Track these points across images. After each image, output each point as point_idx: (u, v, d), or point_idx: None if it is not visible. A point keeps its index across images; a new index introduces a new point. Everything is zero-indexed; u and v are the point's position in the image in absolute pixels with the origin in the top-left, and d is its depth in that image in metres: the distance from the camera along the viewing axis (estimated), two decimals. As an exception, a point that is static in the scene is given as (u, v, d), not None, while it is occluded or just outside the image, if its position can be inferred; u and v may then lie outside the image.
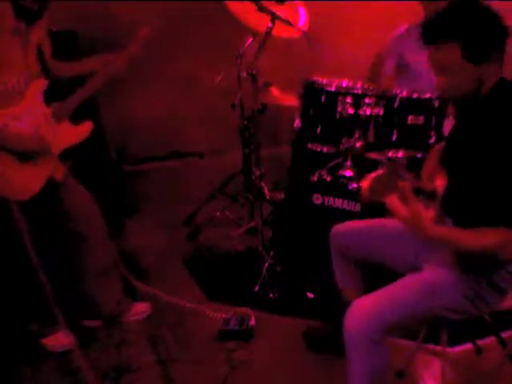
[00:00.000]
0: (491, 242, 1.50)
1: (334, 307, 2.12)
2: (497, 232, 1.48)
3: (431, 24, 1.55)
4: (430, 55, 1.57)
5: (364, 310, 1.64)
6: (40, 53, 2.11)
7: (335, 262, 2.06)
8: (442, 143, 1.89)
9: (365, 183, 1.58)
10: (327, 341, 2.24)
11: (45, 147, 2.10)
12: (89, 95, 2.16)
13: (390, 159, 2.56)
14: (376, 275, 1.99)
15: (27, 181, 2.09)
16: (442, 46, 1.52)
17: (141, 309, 2.53)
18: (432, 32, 1.54)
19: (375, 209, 2.43)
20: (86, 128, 2.22)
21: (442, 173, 1.68)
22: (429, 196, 1.59)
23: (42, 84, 2.10)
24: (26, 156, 2.06)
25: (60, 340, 2.31)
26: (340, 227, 2.03)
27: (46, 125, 2.11)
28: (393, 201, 1.52)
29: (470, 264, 1.62)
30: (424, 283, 1.68)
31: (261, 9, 2.62)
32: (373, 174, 1.58)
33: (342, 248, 2.00)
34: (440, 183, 1.64)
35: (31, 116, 2.07)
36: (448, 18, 1.53)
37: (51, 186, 2.14)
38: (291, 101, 2.84)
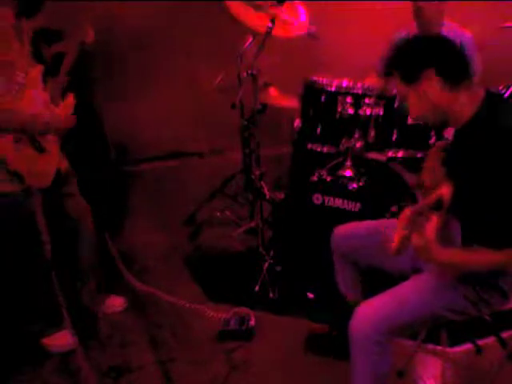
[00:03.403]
0: (497, 261, 1.53)
1: (335, 309, 2.12)
2: (501, 252, 1.51)
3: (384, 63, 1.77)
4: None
5: (370, 312, 1.66)
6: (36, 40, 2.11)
7: (337, 265, 2.06)
8: (442, 142, 1.89)
9: (393, 245, 1.59)
10: (330, 345, 2.24)
11: (53, 131, 2.14)
12: (69, 66, 2.18)
13: (390, 159, 2.56)
14: (378, 278, 1.99)
15: (44, 167, 2.15)
16: (390, 76, 1.68)
17: (115, 302, 2.57)
18: (384, 68, 1.74)
19: (375, 209, 2.44)
20: (70, 100, 2.22)
21: (446, 181, 1.69)
22: (435, 206, 1.61)
23: (39, 70, 2.10)
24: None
25: (61, 340, 2.31)
26: (341, 230, 2.03)
27: (48, 110, 2.14)
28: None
29: (471, 275, 1.63)
30: (427, 285, 1.69)
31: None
32: (399, 234, 1.58)
33: (344, 251, 2.01)
34: (445, 192, 1.65)
35: (36, 105, 2.09)
36: (392, 54, 1.69)
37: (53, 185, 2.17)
38: (291, 101, 2.84)
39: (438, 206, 1.62)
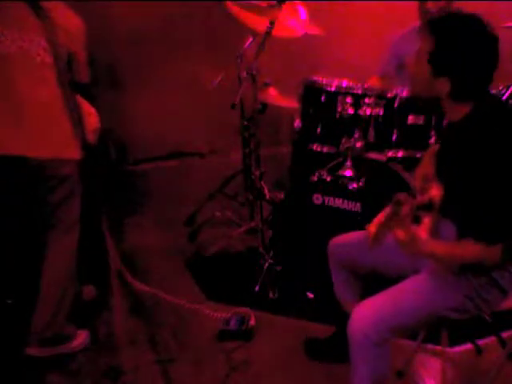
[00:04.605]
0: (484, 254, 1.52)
1: (334, 312, 2.12)
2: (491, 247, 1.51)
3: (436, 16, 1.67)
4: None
5: (368, 313, 1.65)
6: None
7: (334, 275, 2.05)
8: (437, 145, 1.89)
9: (371, 228, 1.58)
10: (327, 350, 2.24)
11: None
12: None
13: (390, 159, 2.56)
14: (376, 286, 1.99)
15: None
16: (427, 35, 1.61)
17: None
18: (429, 22, 1.64)
19: (375, 209, 2.43)
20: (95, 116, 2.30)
21: (437, 182, 1.69)
22: (426, 207, 1.60)
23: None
24: None
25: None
26: (337, 240, 2.02)
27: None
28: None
29: (469, 267, 1.62)
30: (426, 285, 1.69)
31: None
32: (378, 218, 1.58)
33: (340, 261, 2.00)
34: (436, 193, 1.65)
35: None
36: (444, 19, 1.62)
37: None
38: (290, 101, 2.84)
39: (429, 207, 1.62)
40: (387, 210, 1.53)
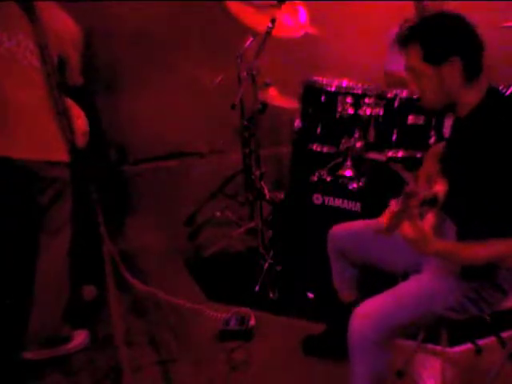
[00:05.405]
0: (492, 254, 1.52)
1: (333, 309, 2.12)
2: (498, 243, 1.50)
3: (403, 30, 1.66)
4: (404, 60, 1.65)
5: (369, 312, 1.65)
6: None
7: (333, 263, 2.06)
8: (440, 144, 1.89)
9: (383, 219, 1.58)
10: (326, 347, 2.24)
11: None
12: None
13: (390, 159, 2.57)
14: (374, 277, 1.99)
15: None
16: (407, 48, 1.61)
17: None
18: (401, 36, 1.64)
19: (375, 209, 2.43)
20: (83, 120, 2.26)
21: (441, 178, 1.69)
22: (430, 203, 1.60)
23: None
24: None
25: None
26: (338, 229, 2.03)
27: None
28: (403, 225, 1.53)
29: (471, 270, 1.62)
30: (427, 285, 1.69)
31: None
32: (390, 209, 1.57)
33: (340, 250, 2.00)
34: (440, 189, 1.65)
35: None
36: (414, 24, 1.64)
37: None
38: (290, 101, 2.84)
39: (433, 202, 1.62)
40: (398, 202, 1.53)
